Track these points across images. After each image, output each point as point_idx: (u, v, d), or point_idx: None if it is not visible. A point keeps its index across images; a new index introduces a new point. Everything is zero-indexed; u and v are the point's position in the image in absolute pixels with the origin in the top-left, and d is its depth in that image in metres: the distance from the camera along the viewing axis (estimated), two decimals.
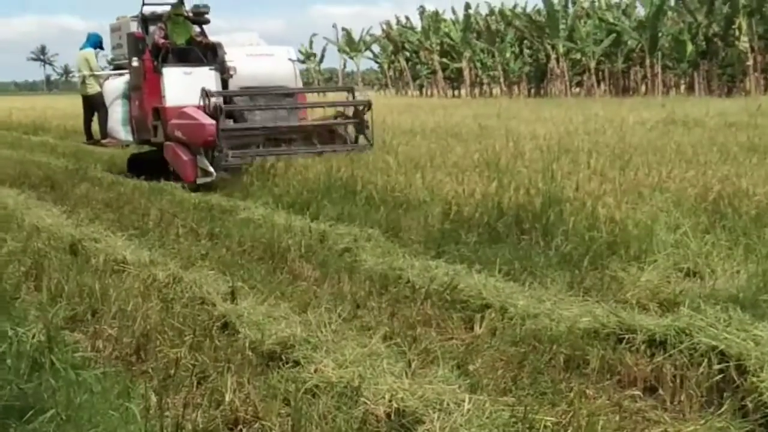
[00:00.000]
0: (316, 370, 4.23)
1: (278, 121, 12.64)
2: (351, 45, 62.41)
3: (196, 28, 13.44)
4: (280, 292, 5.83)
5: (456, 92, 57.38)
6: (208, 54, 13.01)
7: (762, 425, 3.71)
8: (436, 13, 56.40)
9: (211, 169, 11.33)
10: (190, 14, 13.43)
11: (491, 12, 52.89)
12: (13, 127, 28.63)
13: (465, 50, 53.15)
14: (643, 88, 45.37)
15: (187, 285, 6.01)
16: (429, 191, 8.75)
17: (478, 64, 53.36)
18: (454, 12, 56.15)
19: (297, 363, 4.41)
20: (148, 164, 13.21)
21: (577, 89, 48.69)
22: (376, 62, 65.66)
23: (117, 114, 14.57)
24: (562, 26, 45.45)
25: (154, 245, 7.62)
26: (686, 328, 4.35)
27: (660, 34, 42.42)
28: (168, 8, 13.34)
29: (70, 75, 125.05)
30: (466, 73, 53.90)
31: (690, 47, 40.79)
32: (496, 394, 4.02)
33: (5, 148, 20.26)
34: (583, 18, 46.31)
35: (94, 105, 16.70)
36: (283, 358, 4.52)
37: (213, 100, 11.59)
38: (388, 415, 3.75)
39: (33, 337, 4.66)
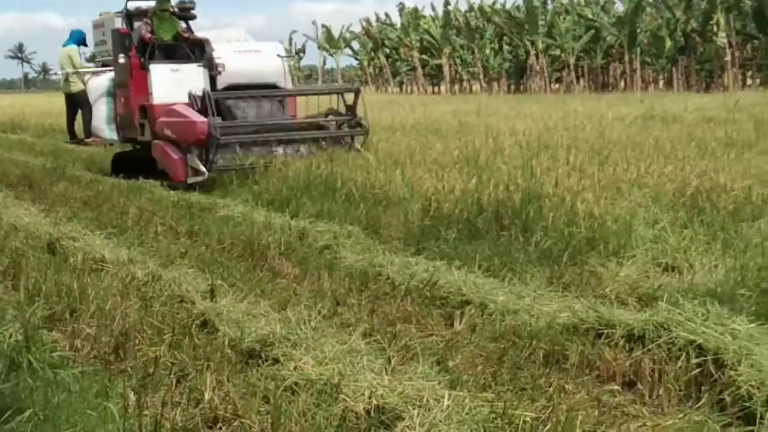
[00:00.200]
0: (295, 368, 4.23)
1: (272, 118, 12.36)
2: (331, 42, 62.32)
3: (182, 24, 13.26)
4: (260, 290, 5.82)
5: (436, 89, 57.38)
6: (195, 50, 12.77)
7: (739, 418, 3.73)
8: (416, 10, 56.51)
9: (203, 169, 11.07)
10: (176, 9, 13.20)
11: (471, 8, 52.98)
12: None
13: (445, 47, 53.17)
14: (622, 83, 45.51)
15: (166, 283, 5.98)
16: (409, 188, 8.75)
17: (458, 61, 53.42)
18: (433, 8, 56.44)
19: (276, 360, 4.40)
20: (134, 163, 12.98)
21: (557, 85, 48.79)
22: (356, 59, 65.56)
23: (101, 112, 14.38)
24: (541, 22, 45.65)
25: (133, 243, 7.58)
26: (664, 323, 4.37)
27: (639, 30, 42.66)
28: (153, 4, 13.09)
29: (50, 72, 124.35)
30: (445, 69, 53.92)
31: (668, 43, 41.05)
32: (476, 389, 4.03)
33: None
34: (562, 14, 46.52)
35: (78, 103, 16.41)
36: (263, 355, 4.51)
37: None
38: (368, 412, 3.75)
39: (10, 336, 4.62)
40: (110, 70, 14.14)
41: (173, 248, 7.35)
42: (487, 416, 3.65)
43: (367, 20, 61.07)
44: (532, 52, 46.88)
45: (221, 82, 12.50)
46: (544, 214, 7.16)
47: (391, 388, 3.88)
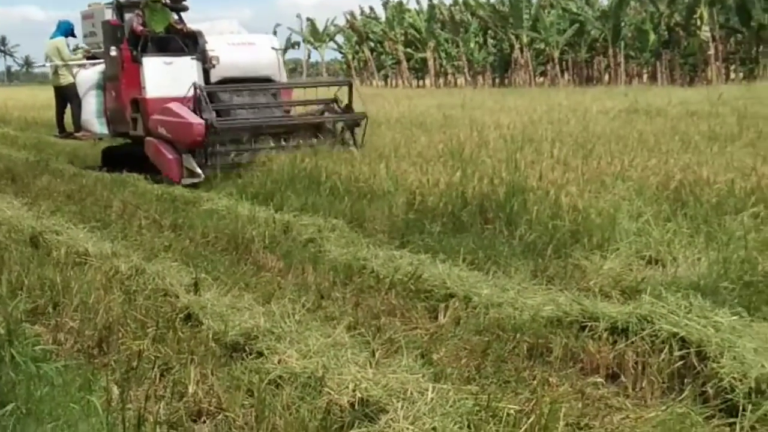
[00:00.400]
0: (279, 361, 4.22)
1: (267, 115, 12.17)
2: (315, 35, 62.15)
3: (174, 15, 12.94)
4: (244, 283, 5.82)
5: (420, 82, 57.36)
6: (188, 43, 12.46)
7: (722, 410, 3.75)
8: (401, 4, 56.38)
9: (199, 171, 10.89)
10: (168, 1, 12.86)
11: (455, 2, 52.97)
12: None
13: (429, 40, 53.16)
14: (607, 77, 45.59)
15: (149, 277, 5.96)
16: (393, 181, 8.74)
17: (443, 54, 53.41)
18: (418, 2, 55.96)
19: (261, 354, 4.39)
20: (124, 158, 12.75)
21: (541, 79, 48.85)
22: (341, 53, 65.45)
23: (91, 105, 14.11)
24: (525, 16, 45.67)
25: (117, 237, 7.56)
26: (648, 316, 4.39)
27: (623, 24, 42.79)
28: None
29: (33, 65, 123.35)
30: (430, 63, 53.90)
31: (652, 37, 41.16)
32: (460, 382, 4.03)
33: None
34: (547, 8, 46.58)
35: (67, 96, 16.10)
36: (247, 349, 4.51)
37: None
38: (352, 405, 3.75)
39: None
40: (100, 63, 13.89)
41: (157, 242, 7.33)
42: (471, 409, 3.66)
43: (352, 14, 61.00)
44: (517, 46, 46.93)
45: (215, 76, 12.28)
46: (528, 207, 7.17)
47: (375, 381, 3.88)
